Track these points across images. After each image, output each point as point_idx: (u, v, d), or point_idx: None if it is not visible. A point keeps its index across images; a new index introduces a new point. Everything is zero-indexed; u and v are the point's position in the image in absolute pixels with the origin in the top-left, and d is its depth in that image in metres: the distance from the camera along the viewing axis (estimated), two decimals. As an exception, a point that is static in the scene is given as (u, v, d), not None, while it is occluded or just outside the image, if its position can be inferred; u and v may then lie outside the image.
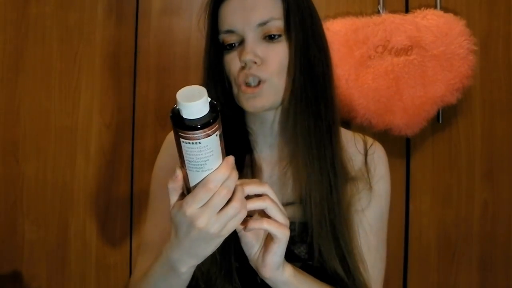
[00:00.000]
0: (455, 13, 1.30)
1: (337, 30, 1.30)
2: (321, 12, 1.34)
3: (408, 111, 1.26)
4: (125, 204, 1.40)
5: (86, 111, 1.41)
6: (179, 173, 0.59)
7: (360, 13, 1.33)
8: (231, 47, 0.75)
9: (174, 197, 0.61)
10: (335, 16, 1.34)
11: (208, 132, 0.54)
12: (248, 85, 0.74)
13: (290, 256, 0.72)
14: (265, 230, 0.63)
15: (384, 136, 1.30)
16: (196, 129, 0.54)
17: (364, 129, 1.26)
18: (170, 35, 1.39)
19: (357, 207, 0.79)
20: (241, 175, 0.80)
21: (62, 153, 1.41)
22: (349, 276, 0.73)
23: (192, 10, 1.40)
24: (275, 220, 0.62)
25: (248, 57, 0.72)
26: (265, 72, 0.73)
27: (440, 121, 1.35)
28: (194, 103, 0.53)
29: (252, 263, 0.66)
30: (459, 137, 1.37)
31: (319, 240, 0.73)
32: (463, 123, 1.37)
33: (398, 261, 1.38)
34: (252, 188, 0.61)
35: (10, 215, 1.41)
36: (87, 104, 1.41)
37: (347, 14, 1.34)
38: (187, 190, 0.60)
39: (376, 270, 0.79)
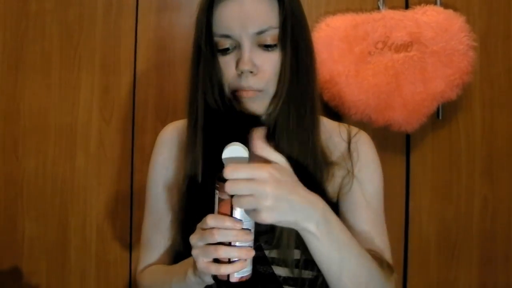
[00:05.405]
0: (455, 9, 1.30)
1: (337, 26, 1.30)
2: (321, 9, 1.37)
3: (408, 107, 1.26)
4: (125, 201, 1.40)
5: (86, 107, 1.41)
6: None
7: (360, 9, 1.34)
8: (225, 50, 0.75)
9: None
10: (335, 12, 1.34)
11: None
12: (243, 89, 0.74)
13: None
14: None
15: (384, 132, 1.30)
16: None
17: (364, 125, 1.26)
18: (170, 31, 1.39)
19: (342, 192, 0.80)
20: None
21: (62, 150, 1.41)
22: None
23: (192, 6, 1.35)
24: None
25: (246, 67, 0.72)
26: (261, 82, 0.74)
27: (440, 117, 1.35)
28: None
29: None
30: (459, 133, 1.37)
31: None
32: (463, 119, 1.37)
33: (398, 258, 1.38)
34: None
35: (10, 212, 1.41)
36: (87, 101, 1.41)
37: (347, 10, 1.34)
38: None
39: (379, 241, 0.82)
